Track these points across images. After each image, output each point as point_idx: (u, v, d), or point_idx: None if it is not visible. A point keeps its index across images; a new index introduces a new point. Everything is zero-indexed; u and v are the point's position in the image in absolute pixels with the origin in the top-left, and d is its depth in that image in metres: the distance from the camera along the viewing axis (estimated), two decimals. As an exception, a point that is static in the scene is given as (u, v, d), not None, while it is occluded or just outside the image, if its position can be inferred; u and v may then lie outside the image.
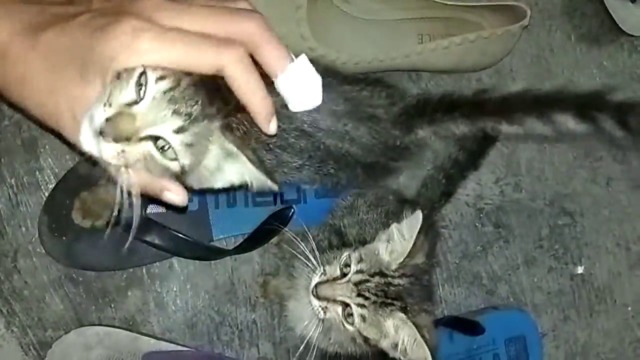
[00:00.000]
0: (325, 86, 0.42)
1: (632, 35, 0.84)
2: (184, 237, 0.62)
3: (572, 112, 0.43)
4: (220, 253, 0.66)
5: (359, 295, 0.49)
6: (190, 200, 0.65)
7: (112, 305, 0.65)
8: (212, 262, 0.68)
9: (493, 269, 0.80)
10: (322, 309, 0.51)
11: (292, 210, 0.69)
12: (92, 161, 0.35)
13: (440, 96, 0.52)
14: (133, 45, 0.32)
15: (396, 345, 0.49)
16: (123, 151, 0.33)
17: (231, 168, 0.38)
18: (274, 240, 0.70)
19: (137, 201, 0.35)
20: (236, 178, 0.38)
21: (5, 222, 0.63)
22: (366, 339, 0.50)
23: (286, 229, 0.68)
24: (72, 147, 0.36)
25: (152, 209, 0.63)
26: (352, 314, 0.49)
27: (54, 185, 0.63)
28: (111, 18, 0.33)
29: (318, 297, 0.50)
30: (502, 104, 0.47)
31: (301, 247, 0.55)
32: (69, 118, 0.34)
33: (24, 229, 0.63)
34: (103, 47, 0.33)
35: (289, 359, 0.70)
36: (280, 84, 0.38)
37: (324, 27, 0.65)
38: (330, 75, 0.51)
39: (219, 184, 0.39)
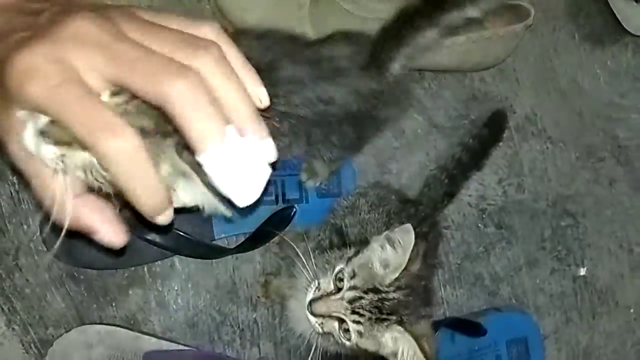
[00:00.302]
0: (288, 56, 0.39)
1: (636, 36, 0.84)
2: (185, 235, 0.62)
3: None
4: (221, 252, 0.65)
5: (353, 312, 0.49)
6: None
7: (114, 304, 0.65)
8: (214, 261, 0.68)
9: (495, 270, 0.80)
10: (319, 324, 0.50)
11: (294, 209, 0.68)
12: None
13: (394, 15, 0.48)
14: (22, 91, 0.27)
15: (395, 354, 0.49)
16: (63, 156, 0.30)
17: (184, 188, 0.33)
18: (276, 239, 0.70)
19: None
20: (189, 199, 0.34)
21: (7, 220, 0.63)
22: (365, 350, 0.50)
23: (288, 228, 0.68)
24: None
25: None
26: (348, 329, 0.49)
27: (55, 183, 0.63)
28: (24, 43, 0.28)
29: (313, 314, 0.50)
30: None
31: (299, 257, 0.55)
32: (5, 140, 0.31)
33: (25, 226, 0.63)
34: (4, 78, 0.28)
35: (289, 358, 0.70)
36: (203, 164, 0.29)
37: (327, 26, 0.65)
38: (290, 42, 0.48)
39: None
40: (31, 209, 0.63)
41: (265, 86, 0.33)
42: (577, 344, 0.83)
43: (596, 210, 0.85)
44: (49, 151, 0.30)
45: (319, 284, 0.52)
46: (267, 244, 0.69)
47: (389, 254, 0.50)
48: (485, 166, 0.78)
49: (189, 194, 0.33)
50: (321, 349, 0.55)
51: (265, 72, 0.33)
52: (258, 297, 0.69)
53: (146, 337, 0.63)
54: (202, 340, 0.67)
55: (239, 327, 0.68)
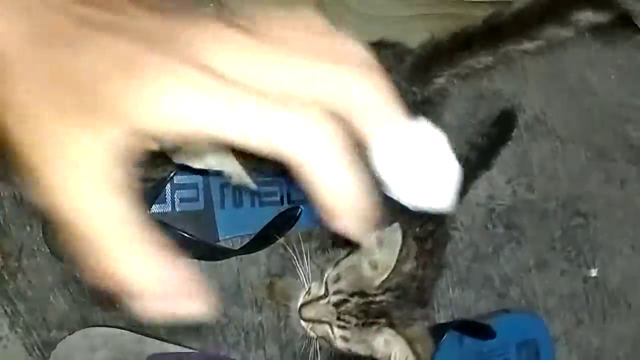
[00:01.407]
0: None
1: (648, 33, 0.82)
2: (188, 235, 0.61)
3: (589, 6, 0.41)
4: (226, 253, 0.65)
5: (339, 318, 0.48)
6: (195, 199, 0.65)
7: (117, 305, 0.64)
8: (218, 262, 0.67)
9: (504, 271, 0.79)
10: (310, 329, 0.50)
11: (300, 209, 0.67)
12: None
13: (451, 35, 0.48)
14: (165, 109, 0.21)
15: (388, 357, 0.48)
16: None
17: (216, 157, 0.37)
18: (281, 240, 0.69)
19: None
20: (217, 165, 0.38)
21: (10, 221, 0.62)
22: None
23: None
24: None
25: (155, 209, 0.62)
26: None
27: (58, 184, 0.62)
28: (152, 56, 0.21)
29: (303, 319, 0.50)
30: (517, 22, 0.44)
31: (295, 260, 0.54)
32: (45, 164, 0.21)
33: (28, 227, 0.63)
34: (127, 95, 0.21)
35: (295, 361, 0.69)
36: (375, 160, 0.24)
37: (331, 23, 0.64)
38: None
39: (198, 165, 0.36)
40: (34, 210, 0.63)
41: None
42: (588, 345, 0.82)
43: (607, 211, 0.83)
44: None
45: (309, 288, 0.52)
46: (273, 245, 0.69)
47: (378, 255, 0.49)
48: (494, 166, 0.77)
49: (220, 163, 0.37)
50: (326, 350, 0.54)
51: None
52: (263, 299, 0.68)
53: (150, 339, 0.62)
54: (206, 343, 0.66)
55: (243, 329, 0.68)
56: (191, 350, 0.63)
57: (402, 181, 0.23)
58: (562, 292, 0.81)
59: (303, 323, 0.50)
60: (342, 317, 0.48)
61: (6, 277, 0.62)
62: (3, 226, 0.62)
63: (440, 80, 0.49)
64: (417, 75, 0.49)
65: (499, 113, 0.76)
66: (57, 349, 0.60)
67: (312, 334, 0.51)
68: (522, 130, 0.81)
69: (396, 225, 0.48)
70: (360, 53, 0.23)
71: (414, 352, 0.46)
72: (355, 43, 0.23)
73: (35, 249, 0.63)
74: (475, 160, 0.71)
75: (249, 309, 0.68)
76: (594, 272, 0.83)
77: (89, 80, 0.21)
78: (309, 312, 0.50)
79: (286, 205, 0.68)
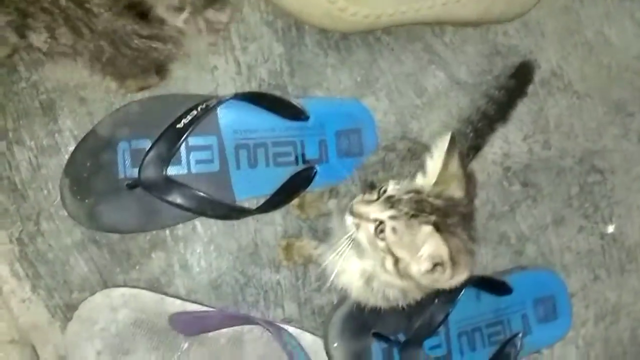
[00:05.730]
0: None
1: (668, -18, 0.80)
2: (206, 196, 0.61)
3: None
4: (242, 212, 0.64)
5: (392, 207, 0.47)
6: (210, 161, 0.65)
7: (137, 267, 0.65)
8: (235, 224, 0.67)
9: (521, 228, 0.78)
10: (355, 225, 0.49)
11: (315, 169, 0.67)
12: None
13: None
14: None
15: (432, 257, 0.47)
16: None
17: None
18: (295, 202, 0.68)
19: None
20: None
21: (27, 185, 0.62)
22: (397, 261, 0.48)
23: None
24: None
25: (171, 171, 0.62)
26: (383, 230, 0.48)
27: (73, 147, 0.62)
28: None
29: (352, 214, 0.49)
30: None
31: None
32: None
33: (45, 191, 0.63)
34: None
35: (314, 319, 0.69)
36: None
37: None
38: None
39: None
40: (50, 174, 0.63)
41: None
42: (605, 301, 0.82)
43: (625, 167, 0.82)
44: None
45: (363, 195, 0.51)
46: (288, 206, 0.68)
47: (428, 164, 0.51)
48: (510, 123, 0.76)
49: None
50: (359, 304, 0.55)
51: None
52: (280, 260, 0.68)
53: (170, 299, 0.62)
54: (226, 302, 0.67)
55: (262, 288, 0.68)
56: (211, 309, 0.64)
57: None
58: (579, 248, 0.81)
59: (349, 220, 0.49)
60: (395, 206, 0.47)
61: (26, 241, 0.62)
62: (20, 190, 0.62)
63: None
64: None
65: (518, 65, 0.74)
66: (80, 310, 0.61)
67: (354, 231, 0.49)
68: (538, 86, 0.79)
69: (449, 133, 0.50)
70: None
71: (452, 259, 0.45)
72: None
73: (54, 212, 0.63)
74: (493, 113, 0.70)
75: (267, 269, 0.68)
76: (611, 229, 0.82)
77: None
78: (361, 208, 0.48)
79: (301, 166, 0.67)
